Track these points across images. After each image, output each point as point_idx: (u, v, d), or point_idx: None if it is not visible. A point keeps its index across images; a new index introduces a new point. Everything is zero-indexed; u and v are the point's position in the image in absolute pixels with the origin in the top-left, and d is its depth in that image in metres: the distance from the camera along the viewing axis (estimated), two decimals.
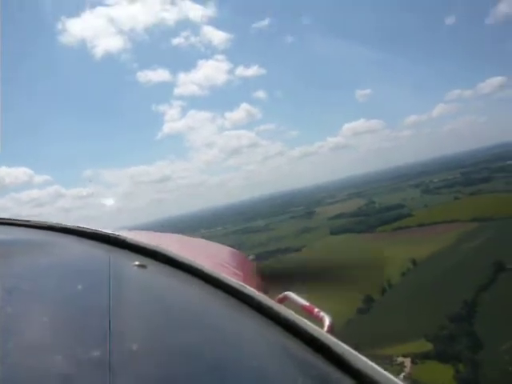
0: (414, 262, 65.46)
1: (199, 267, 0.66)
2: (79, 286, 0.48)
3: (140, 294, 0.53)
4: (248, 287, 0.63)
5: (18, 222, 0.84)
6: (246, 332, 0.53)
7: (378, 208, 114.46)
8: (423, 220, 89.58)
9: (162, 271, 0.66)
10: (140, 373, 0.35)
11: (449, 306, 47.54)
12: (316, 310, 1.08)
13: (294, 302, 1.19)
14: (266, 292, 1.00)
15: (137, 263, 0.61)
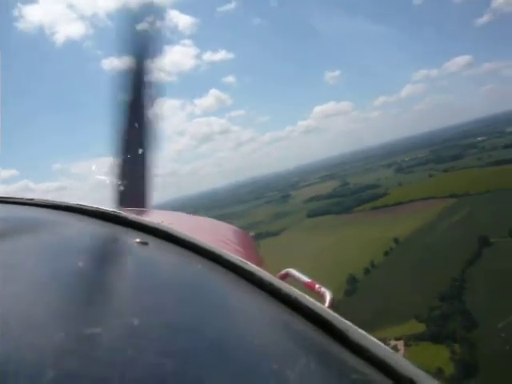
0: (396, 241, 63.80)
1: (201, 244, 0.66)
2: (80, 264, 0.48)
3: (141, 271, 0.54)
4: (249, 263, 0.64)
5: (22, 201, 0.85)
6: (248, 308, 0.54)
7: (352, 189, 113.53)
8: (400, 198, 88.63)
9: (164, 248, 0.66)
10: (141, 348, 0.35)
11: (437, 284, 45.89)
12: (317, 285, 1.08)
13: (295, 279, 1.19)
14: (266, 269, 0.91)
15: (138, 240, 0.61)
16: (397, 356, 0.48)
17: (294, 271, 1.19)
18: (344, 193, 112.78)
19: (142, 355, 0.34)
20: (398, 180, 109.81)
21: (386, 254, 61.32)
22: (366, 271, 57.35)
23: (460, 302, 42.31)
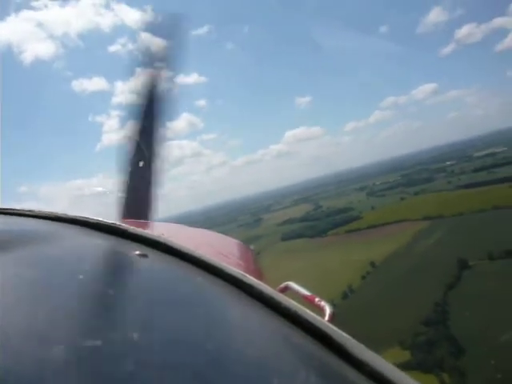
0: (373, 265, 61.89)
1: (200, 257, 0.66)
2: (81, 276, 0.47)
3: (141, 283, 0.53)
4: (249, 277, 0.63)
5: (22, 212, 0.83)
6: (248, 322, 0.53)
7: (325, 212, 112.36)
8: (373, 221, 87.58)
9: (164, 261, 0.65)
10: (142, 361, 0.34)
11: (419, 309, 43.86)
12: (317, 299, 1.07)
13: (295, 292, 1.18)
14: (266, 282, 0.94)
15: (138, 253, 0.61)
16: (396, 371, 0.47)
17: (293, 284, 1.18)
18: (317, 216, 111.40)
19: (143, 369, 0.34)
20: (370, 203, 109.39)
21: (364, 277, 59.23)
22: (344, 296, 54.94)
23: (445, 327, 40.29)
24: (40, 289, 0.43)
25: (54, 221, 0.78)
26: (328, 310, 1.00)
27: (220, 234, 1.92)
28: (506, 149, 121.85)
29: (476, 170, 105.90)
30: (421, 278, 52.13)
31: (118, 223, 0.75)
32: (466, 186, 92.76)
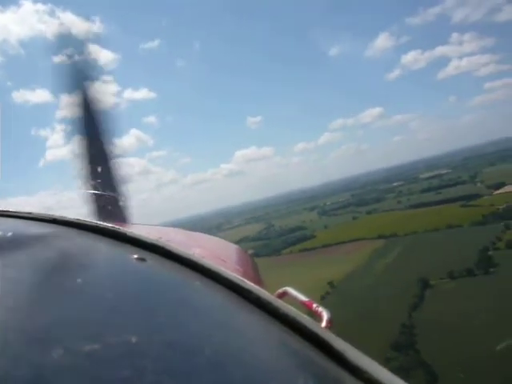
0: (331, 285, 58.89)
1: (199, 261, 0.65)
2: (78, 280, 0.47)
3: (139, 287, 0.53)
4: (247, 282, 0.63)
5: (20, 214, 0.83)
6: (246, 327, 0.53)
7: (278, 231, 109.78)
8: (328, 240, 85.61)
9: (162, 265, 0.65)
10: (140, 366, 0.34)
11: (386, 332, 40.92)
12: (315, 305, 1.08)
13: (293, 297, 1.19)
14: (265, 287, 1.01)
15: (136, 256, 0.60)
16: (394, 378, 0.47)
17: (291, 290, 1.19)
18: (270, 235, 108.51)
19: (141, 373, 0.34)
20: (323, 222, 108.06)
21: (323, 298, 55.93)
22: None
23: (415, 352, 37.44)
24: (38, 292, 0.43)
25: (52, 223, 0.77)
26: (326, 315, 0.99)
27: (218, 239, 1.95)
28: (450, 171, 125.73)
29: (424, 191, 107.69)
30: (383, 298, 49.61)
31: (116, 226, 0.74)
32: (416, 206, 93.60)
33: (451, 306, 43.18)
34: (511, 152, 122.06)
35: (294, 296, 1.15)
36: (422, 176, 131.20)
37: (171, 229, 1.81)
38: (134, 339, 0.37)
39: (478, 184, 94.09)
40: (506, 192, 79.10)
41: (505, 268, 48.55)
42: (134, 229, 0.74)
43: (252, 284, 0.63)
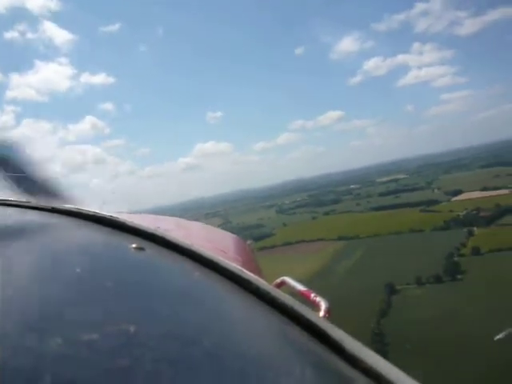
0: None
1: (197, 251, 0.65)
2: (77, 269, 0.46)
3: (138, 276, 0.52)
4: (246, 272, 0.62)
5: (18, 203, 0.82)
6: (244, 317, 0.53)
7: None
8: (287, 239, 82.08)
9: (160, 254, 0.64)
10: (138, 355, 0.34)
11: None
12: (313, 294, 1.06)
13: (291, 287, 1.16)
14: (263, 277, 1.03)
15: (135, 246, 0.60)
16: (392, 368, 0.46)
17: (289, 279, 1.18)
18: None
19: (139, 362, 0.33)
20: (281, 220, 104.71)
21: None
22: None
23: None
24: (36, 281, 0.43)
25: (51, 212, 0.76)
26: (324, 305, 0.97)
27: (217, 229, 1.93)
28: (407, 176, 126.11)
29: (381, 195, 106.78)
30: (351, 303, 46.25)
31: (115, 216, 0.73)
32: (376, 209, 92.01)
33: (422, 314, 40.41)
34: (464, 161, 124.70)
35: (292, 285, 1.13)
36: (378, 180, 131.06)
37: (170, 218, 1.77)
38: (132, 329, 0.37)
39: (436, 190, 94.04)
40: (465, 199, 78.98)
41: (472, 275, 46.64)
42: (133, 218, 0.75)
43: (251, 274, 0.62)
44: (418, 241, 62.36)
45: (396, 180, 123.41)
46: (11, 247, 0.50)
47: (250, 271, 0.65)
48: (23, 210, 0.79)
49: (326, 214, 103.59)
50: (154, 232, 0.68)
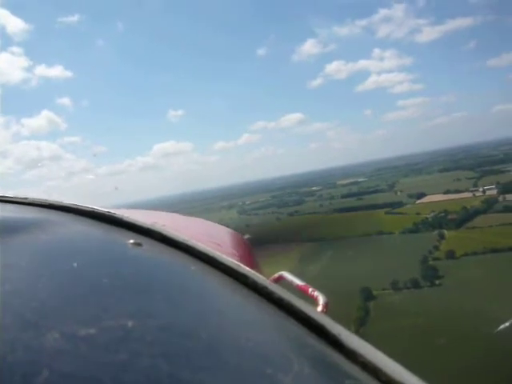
0: None
1: (195, 246, 0.64)
2: (74, 264, 0.45)
3: (135, 272, 0.51)
4: (243, 266, 0.61)
5: (15, 199, 0.80)
6: (242, 311, 0.51)
7: None
8: (251, 240, 77.17)
9: (158, 249, 0.63)
10: (136, 350, 0.33)
11: None
12: (310, 289, 1.05)
13: (289, 282, 1.15)
14: (261, 271, 0.99)
15: (132, 241, 0.59)
16: (390, 362, 0.46)
17: (287, 274, 1.15)
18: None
19: (137, 357, 0.33)
20: (244, 221, 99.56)
21: None
22: None
23: None
24: (34, 277, 0.42)
25: (48, 208, 0.75)
26: (321, 300, 0.96)
27: (215, 223, 1.90)
28: (366, 179, 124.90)
29: (344, 196, 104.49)
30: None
31: (112, 211, 0.72)
32: (340, 210, 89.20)
33: (403, 321, 36.71)
34: (421, 165, 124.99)
35: (290, 280, 1.10)
36: (339, 182, 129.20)
37: (167, 213, 1.77)
38: (130, 323, 0.36)
39: (399, 193, 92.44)
40: (429, 202, 77.41)
41: (450, 279, 43.70)
42: (130, 213, 0.73)
43: (248, 268, 0.61)
44: (388, 243, 59.50)
45: (357, 183, 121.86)
46: (8, 243, 0.49)
47: (248, 265, 0.64)
48: (20, 205, 0.77)
49: (290, 215, 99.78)
50: (151, 227, 0.67)
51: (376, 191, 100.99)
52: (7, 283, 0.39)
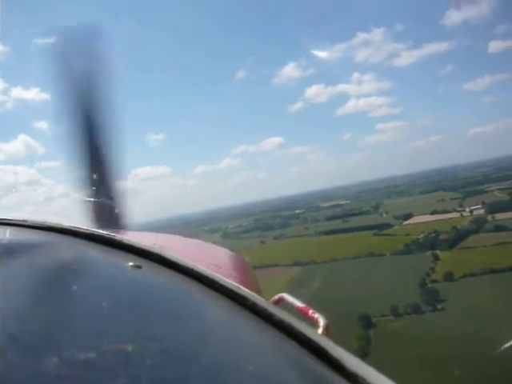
0: None
1: (194, 268, 0.63)
2: (74, 287, 0.45)
3: (135, 294, 0.50)
4: (243, 288, 0.60)
5: (15, 222, 0.79)
6: (242, 334, 0.51)
7: None
8: None
9: (157, 272, 0.63)
10: (134, 374, 0.33)
11: None
12: (311, 311, 1.04)
13: (289, 304, 1.14)
14: (262, 293, 1.00)
15: (132, 264, 0.58)
16: None
17: (287, 296, 1.15)
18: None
19: (136, 382, 0.32)
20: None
21: None
22: None
23: None
24: (33, 300, 0.41)
25: (47, 231, 0.74)
26: (322, 322, 0.95)
27: (214, 245, 1.88)
28: (349, 201, 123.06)
29: (329, 219, 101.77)
30: None
31: (111, 234, 0.72)
32: (327, 233, 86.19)
33: (409, 352, 33.14)
34: (401, 188, 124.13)
35: (291, 302, 1.10)
36: (322, 205, 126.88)
37: (167, 235, 1.74)
38: (129, 347, 0.35)
39: (384, 214, 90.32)
40: (417, 222, 75.24)
41: (453, 303, 40.58)
42: (130, 235, 0.69)
43: (248, 290, 0.60)
44: (381, 266, 56.41)
45: (340, 205, 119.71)
46: (7, 266, 0.48)
47: (248, 287, 0.63)
48: (19, 228, 0.76)
49: (276, 238, 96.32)
50: (151, 249, 0.66)
51: (361, 213, 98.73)
52: (6, 307, 0.38)
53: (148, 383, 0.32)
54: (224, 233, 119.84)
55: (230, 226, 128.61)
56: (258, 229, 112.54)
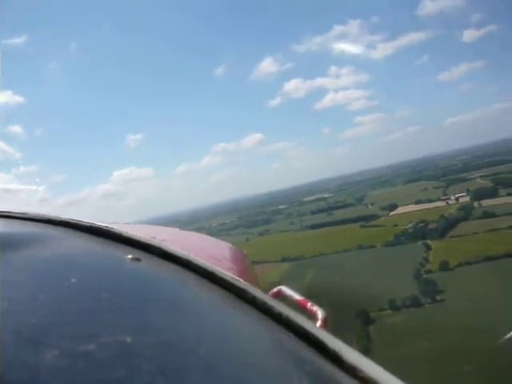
0: None
1: (193, 261, 0.63)
2: (73, 280, 0.44)
3: (134, 287, 0.50)
4: (242, 281, 0.60)
5: (14, 215, 0.79)
6: (240, 326, 0.50)
7: None
8: None
9: (156, 264, 0.62)
10: (133, 366, 0.33)
11: None
12: (309, 304, 1.03)
13: (288, 297, 1.14)
14: (260, 286, 1.00)
15: (131, 256, 0.57)
16: (390, 376, 0.45)
17: (286, 289, 1.14)
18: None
19: (135, 373, 0.32)
20: None
21: None
22: None
23: None
24: (32, 293, 0.41)
25: (47, 223, 0.74)
26: (320, 314, 0.95)
27: (213, 238, 1.84)
28: (332, 194, 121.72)
29: (314, 213, 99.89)
30: None
31: (110, 227, 0.71)
32: (313, 227, 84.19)
33: (413, 347, 31.13)
34: (385, 178, 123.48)
35: (289, 295, 1.10)
36: (305, 199, 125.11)
37: (166, 228, 1.73)
38: (128, 339, 0.35)
39: (369, 206, 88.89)
40: (403, 213, 73.93)
41: (452, 294, 38.89)
42: (129, 228, 0.72)
43: (247, 283, 0.60)
44: (372, 258, 54.55)
45: (323, 198, 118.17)
46: (7, 258, 0.48)
47: (247, 280, 0.62)
48: (19, 221, 0.75)
49: (261, 234, 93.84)
50: (150, 242, 0.66)
51: (345, 206, 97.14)
52: (6, 299, 0.38)
53: (147, 375, 0.32)
54: (208, 231, 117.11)
55: (214, 224, 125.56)
56: (242, 226, 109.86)
